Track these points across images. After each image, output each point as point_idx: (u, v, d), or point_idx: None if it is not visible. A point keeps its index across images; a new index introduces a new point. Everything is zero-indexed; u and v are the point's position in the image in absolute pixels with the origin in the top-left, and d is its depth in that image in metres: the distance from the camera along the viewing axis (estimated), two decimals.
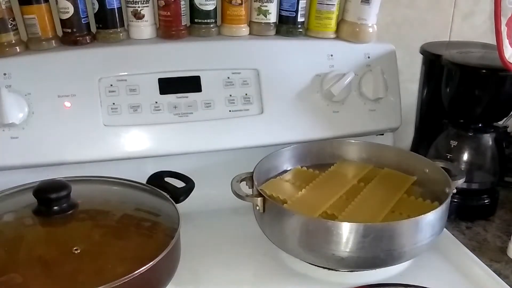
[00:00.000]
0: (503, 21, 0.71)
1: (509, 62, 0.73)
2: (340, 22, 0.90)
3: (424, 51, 0.92)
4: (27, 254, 0.57)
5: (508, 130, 0.87)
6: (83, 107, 0.76)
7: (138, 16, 0.81)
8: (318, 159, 0.84)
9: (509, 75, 0.77)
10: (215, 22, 0.86)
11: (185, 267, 0.66)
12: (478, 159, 0.84)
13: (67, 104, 0.75)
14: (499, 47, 0.72)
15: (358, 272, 0.69)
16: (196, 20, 0.85)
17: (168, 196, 0.69)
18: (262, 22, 0.87)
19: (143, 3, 0.81)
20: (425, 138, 0.93)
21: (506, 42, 0.72)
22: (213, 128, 0.81)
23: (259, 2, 0.86)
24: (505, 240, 0.78)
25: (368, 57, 0.89)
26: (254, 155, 0.77)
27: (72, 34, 0.79)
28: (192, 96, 0.81)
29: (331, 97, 0.85)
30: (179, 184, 0.75)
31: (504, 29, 0.71)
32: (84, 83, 0.76)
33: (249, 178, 0.73)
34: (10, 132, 0.73)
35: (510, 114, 0.85)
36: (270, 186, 0.76)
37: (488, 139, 0.83)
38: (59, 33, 0.80)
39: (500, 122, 0.86)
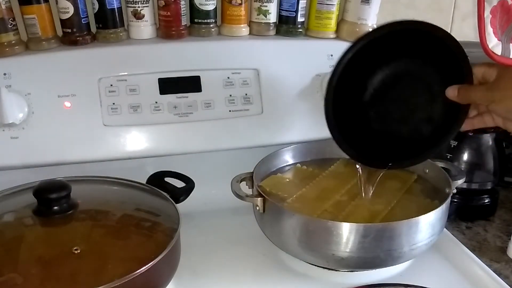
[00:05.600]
0: (487, 7, 0.70)
1: (493, 52, 0.72)
2: (340, 22, 0.90)
3: None
4: (27, 254, 0.57)
5: None
6: (83, 107, 0.76)
7: (138, 16, 0.81)
8: (318, 158, 0.84)
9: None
10: (215, 22, 0.86)
11: (185, 267, 0.66)
12: (478, 159, 0.84)
13: (67, 104, 0.75)
14: (480, 34, 0.71)
15: (358, 272, 0.69)
16: (196, 20, 0.85)
17: (168, 196, 0.69)
18: (262, 22, 0.87)
19: (143, 3, 0.81)
20: None
21: (489, 30, 0.71)
22: (213, 128, 0.81)
23: (259, 2, 0.86)
24: (505, 240, 0.78)
25: None
26: (254, 155, 0.77)
27: (72, 34, 0.79)
28: (192, 96, 0.81)
29: None
30: (179, 184, 0.75)
31: (488, 16, 0.70)
32: (84, 83, 0.76)
33: (249, 178, 0.73)
34: (10, 132, 0.73)
35: None
36: (270, 183, 0.76)
37: (488, 139, 0.83)
38: (59, 33, 0.80)
39: None
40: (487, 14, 0.70)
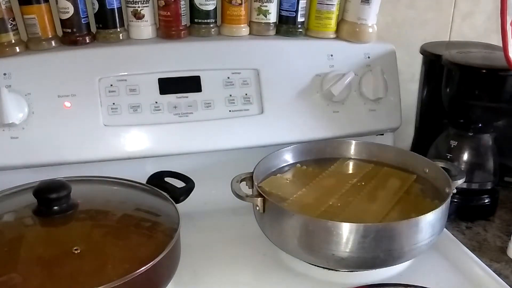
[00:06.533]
0: (509, 19, 0.71)
1: None
2: (340, 22, 0.90)
3: (424, 51, 0.92)
4: (27, 254, 0.57)
5: None
6: (83, 107, 0.76)
7: (138, 16, 0.81)
8: (318, 158, 0.84)
9: (509, 75, 0.77)
10: (215, 22, 0.86)
11: (185, 267, 0.66)
12: (478, 159, 0.84)
13: (67, 104, 0.75)
14: (504, 46, 0.71)
15: (358, 272, 0.69)
16: (196, 20, 0.85)
17: (168, 196, 0.69)
18: (262, 22, 0.87)
19: (143, 3, 0.81)
20: (425, 138, 0.93)
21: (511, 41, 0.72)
22: (213, 128, 0.81)
23: (259, 2, 0.86)
24: (505, 240, 0.78)
25: (368, 57, 0.89)
26: (254, 155, 0.77)
27: (72, 34, 0.79)
28: (192, 96, 0.81)
29: (331, 97, 0.85)
30: (179, 184, 0.75)
31: (509, 28, 0.71)
32: (84, 83, 0.76)
33: (249, 178, 0.73)
34: (10, 132, 0.73)
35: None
36: (270, 184, 0.76)
37: (488, 139, 0.83)
38: (59, 33, 0.80)
39: (500, 122, 0.86)
40: (508, 26, 0.70)
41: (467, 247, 0.74)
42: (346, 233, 0.62)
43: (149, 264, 0.55)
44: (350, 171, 0.82)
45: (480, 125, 0.84)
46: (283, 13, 0.88)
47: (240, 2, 0.84)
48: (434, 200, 0.71)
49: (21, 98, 0.73)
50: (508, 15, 0.71)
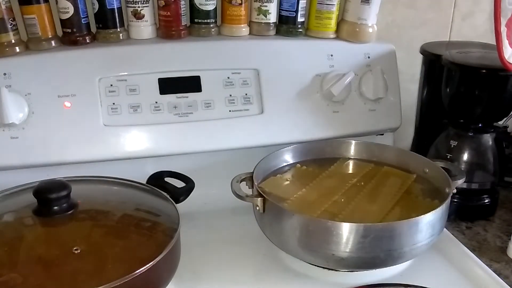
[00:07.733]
0: (503, 21, 0.71)
1: (509, 63, 0.73)
2: (340, 22, 0.90)
3: (424, 51, 0.92)
4: (27, 254, 0.57)
5: (508, 130, 0.87)
6: (83, 107, 0.76)
7: (138, 16, 0.81)
8: (318, 158, 0.84)
9: (509, 75, 0.77)
10: (215, 22, 0.86)
11: (185, 267, 0.66)
12: (478, 159, 0.84)
13: (67, 104, 0.75)
14: (498, 47, 0.72)
15: (358, 272, 0.69)
16: (196, 20, 0.85)
17: (168, 196, 0.69)
18: (262, 22, 0.87)
19: (143, 3, 0.81)
20: (425, 138, 0.93)
21: (505, 42, 0.72)
22: (213, 128, 0.81)
23: (259, 2, 0.86)
24: (505, 240, 0.78)
25: (368, 57, 0.89)
26: (254, 155, 0.77)
27: (72, 34, 0.79)
28: (192, 96, 0.81)
29: (331, 97, 0.85)
30: (179, 184, 0.75)
31: (503, 29, 0.72)
32: (84, 83, 0.76)
33: (249, 178, 0.73)
34: (10, 132, 0.73)
35: (510, 114, 0.85)
36: (270, 184, 0.76)
37: (488, 139, 0.83)
38: (59, 33, 0.80)
39: (500, 122, 0.86)
40: (503, 28, 0.71)
41: (467, 247, 0.74)
42: (346, 233, 0.62)
43: (149, 264, 0.55)
44: (350, 171, 0.82)
45: (480, 125, 0.84)
46: (283, 13, 0.88)
47: (240, 2, 0.84)
48: (434, 200, 0.71)
49: (21, 98, 0.73)
50: (502, 17, 0.71)
